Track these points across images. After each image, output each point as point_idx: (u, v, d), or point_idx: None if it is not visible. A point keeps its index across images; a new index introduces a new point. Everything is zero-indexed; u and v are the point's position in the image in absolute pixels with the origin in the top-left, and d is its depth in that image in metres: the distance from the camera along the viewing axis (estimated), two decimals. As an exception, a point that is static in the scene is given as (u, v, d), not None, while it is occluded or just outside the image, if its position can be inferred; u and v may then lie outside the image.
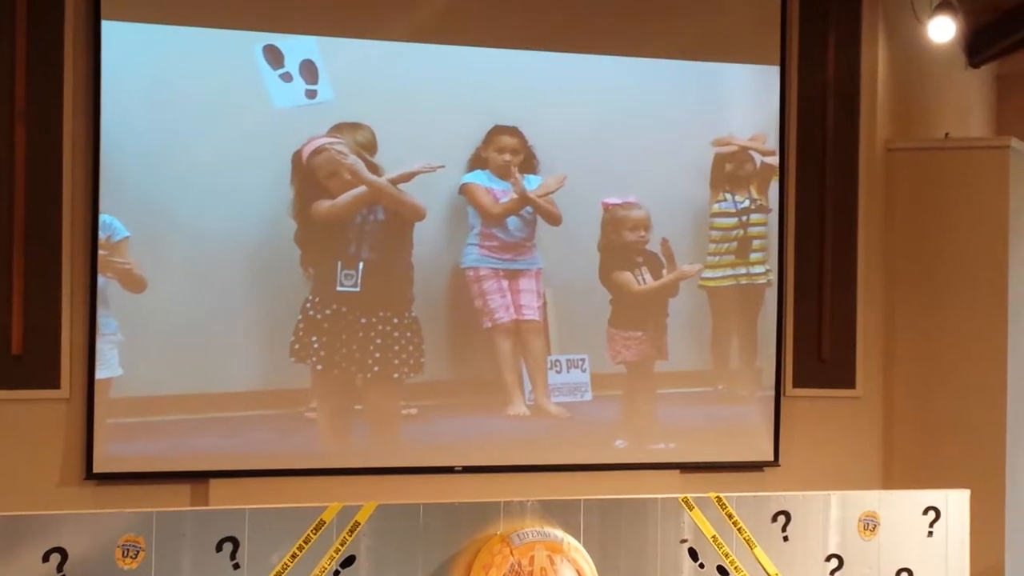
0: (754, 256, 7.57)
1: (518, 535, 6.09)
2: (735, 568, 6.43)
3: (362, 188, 6.90)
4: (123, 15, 6.56)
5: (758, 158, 7.56)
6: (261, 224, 6.81)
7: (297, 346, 6.84)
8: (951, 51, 8.40)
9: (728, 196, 7.50)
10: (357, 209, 6.91)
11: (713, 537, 6.41)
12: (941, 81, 8.54)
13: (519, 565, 6.00)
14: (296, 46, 6.84)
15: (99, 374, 6.47)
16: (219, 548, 5.77)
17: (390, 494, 6.46)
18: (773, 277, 7.58)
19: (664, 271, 7.42)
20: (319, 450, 6.90)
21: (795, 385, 7.62)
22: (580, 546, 6.18)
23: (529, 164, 7.20)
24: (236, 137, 6.77)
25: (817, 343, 7.64)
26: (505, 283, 7.14)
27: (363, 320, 6.94)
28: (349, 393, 6.93)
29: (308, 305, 6.85)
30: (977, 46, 8.64)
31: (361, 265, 6.92)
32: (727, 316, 7.56)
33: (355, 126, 6.91)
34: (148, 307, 6.59)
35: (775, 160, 7.58)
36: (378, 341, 6.97)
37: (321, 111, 6.89)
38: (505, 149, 7.13)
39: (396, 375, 6.99)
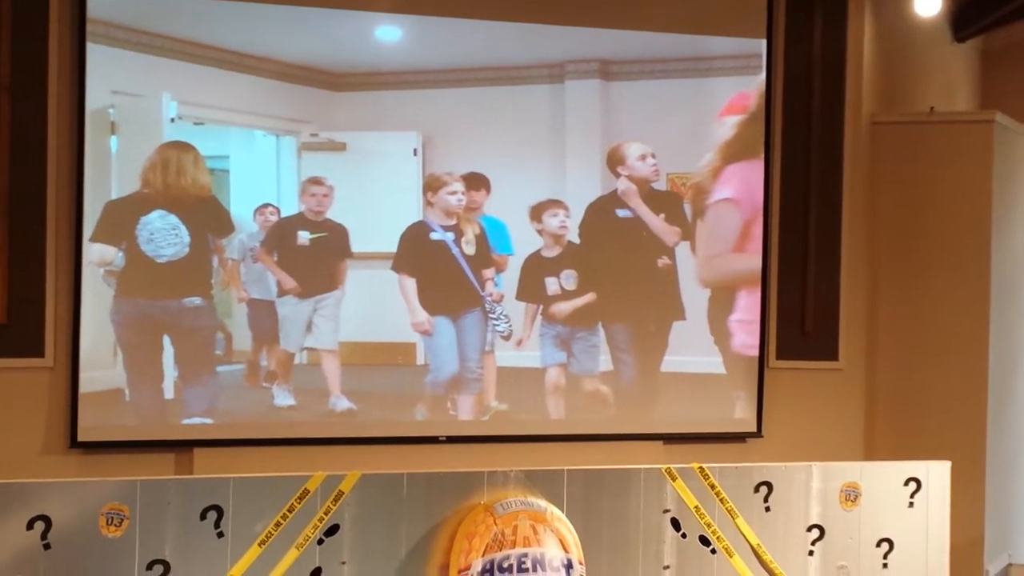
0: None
1: (502, 505, 6.11)
2: (717, 538, 6.47)
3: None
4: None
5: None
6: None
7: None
8: (937, 25, 8.42)
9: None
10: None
11: (696, 507, 6.45)
12: (927, 55, 8.55)
13: (502, 534, 6.03)
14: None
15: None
16: (203, 516, 5.79)
17: (374, 464, 6.48)
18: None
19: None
20: (303, 419, 6.93)
21: (778, 357, 7.65)
22: (563, 516, 6.21)
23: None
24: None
25: (801, 315, 7.66)
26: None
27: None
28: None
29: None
30: (963, 20, 8.66)
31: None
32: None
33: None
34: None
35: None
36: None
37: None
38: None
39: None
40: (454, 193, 7.15)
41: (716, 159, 7.59)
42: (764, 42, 7.65)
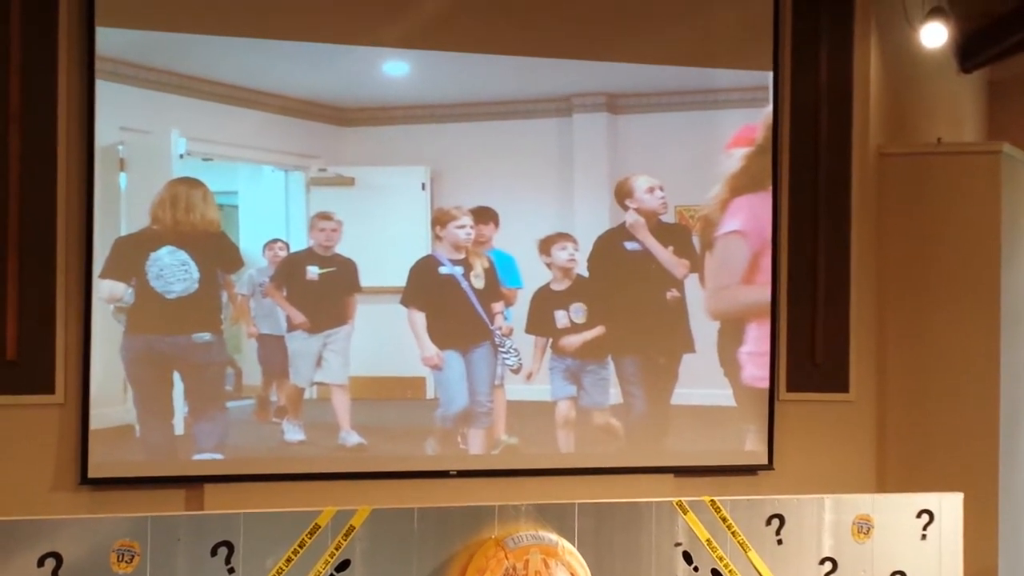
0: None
1: (513, 539, 6.10)
2: (729, 571, 6.45)
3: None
4: (117, 22, 6.57)
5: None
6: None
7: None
8: (943, 56, 8.43)
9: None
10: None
11: (707, 540, 6.43)
12: (933, 86, 8.56)
13: (514, 569, 6.02)
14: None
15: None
16: (214, 553, 5.79)
17: (384, 498, 6.46)
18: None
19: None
20: (313, 454, 6.91)
21: (789, 389, 7.63)
22: (575, 550, 6.20)
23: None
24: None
25: (811, 347, 7.65)
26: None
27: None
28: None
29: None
30: (969, 51, 8.68)
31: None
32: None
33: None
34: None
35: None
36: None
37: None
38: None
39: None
40: (463, 227, 7.16)
41: (724, 191, 7.59)
42: (771, 74, 7.67)
